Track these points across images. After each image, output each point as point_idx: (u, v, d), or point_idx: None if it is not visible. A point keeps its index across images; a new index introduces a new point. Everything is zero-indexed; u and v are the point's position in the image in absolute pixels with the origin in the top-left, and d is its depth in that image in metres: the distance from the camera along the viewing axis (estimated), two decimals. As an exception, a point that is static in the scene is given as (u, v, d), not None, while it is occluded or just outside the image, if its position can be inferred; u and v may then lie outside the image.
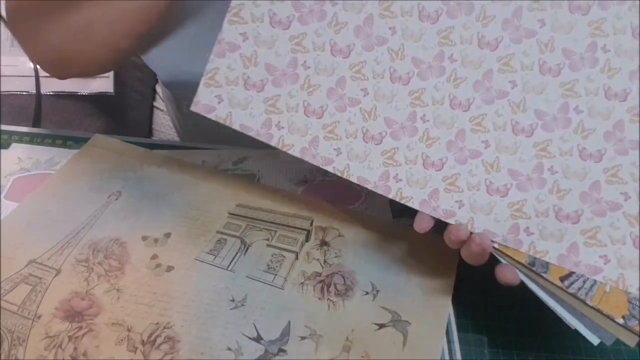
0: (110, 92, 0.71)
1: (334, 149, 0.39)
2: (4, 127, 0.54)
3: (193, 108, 0.39)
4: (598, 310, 0.34)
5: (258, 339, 0.37)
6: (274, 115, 0.39)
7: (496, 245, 0.36)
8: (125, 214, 0.45)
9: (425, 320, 0.39)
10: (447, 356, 0.38)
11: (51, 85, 0.68)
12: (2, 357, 0.36)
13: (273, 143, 0.39)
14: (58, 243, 0.42)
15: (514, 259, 0.36)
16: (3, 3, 0.35)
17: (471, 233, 0.36)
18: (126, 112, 0.76)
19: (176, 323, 0.38)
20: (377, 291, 0.40)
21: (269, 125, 0.39)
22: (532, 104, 0.37)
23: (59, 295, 0.39)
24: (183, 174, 0.49)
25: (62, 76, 0.53)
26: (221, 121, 0.39)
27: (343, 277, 0.41)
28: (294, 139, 0.39)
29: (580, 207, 0.36)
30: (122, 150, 0.51)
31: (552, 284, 0.35)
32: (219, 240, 0.43)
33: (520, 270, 0.36)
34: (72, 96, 0.69)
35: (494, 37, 0.37)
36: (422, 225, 0.37)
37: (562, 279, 0.35)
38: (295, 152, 0.39)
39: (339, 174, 0.39)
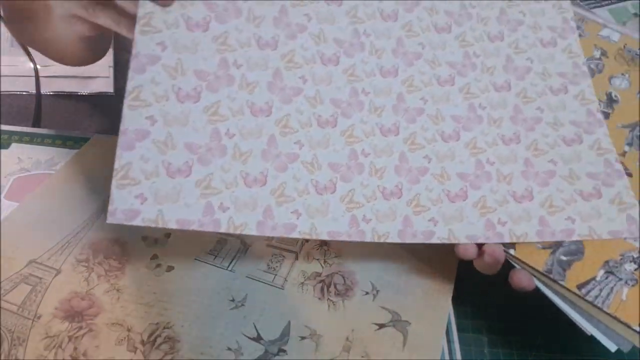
0: (110, 92, 0.71)
1: (292, 212, 0.35)
2: (4, 127, 0.54)
3: (110, 220, 0.32)
4: (615, 318, 0.34)
5: (258, 339, 0.37)
6: (213, 197, 0.34)
7: (512, 252, 0.36)
8: (125, 214, 0.45)
9: (425, 320, 0.39)
10: (447, 356, 0.38)
11: (51, 85, 0.68)
12: (2, 357, 0.36)
13: (223, 229, 0.34)
14: (58, 243, 0.42)
15: (530, 266, 0.36)
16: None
17: (480, 247, 0.37)
18: (126, 112, 0.76)
19: (176, 323, 0.38)
20: (377, 291, 0.40)
21: (210, 210, 0.34)
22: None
23: (59, 295, 0.39)
24: (183, 174, 0.49)
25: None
26: (152, 224, 0.33)
27: (343, 277, 0.41)
28: (245, 216, 0.34)
29: (527, 184, 0.39)
30: (122, 150, 0.51)
31: (570, 291, 0.35)
32: (219, 240, 0.43)
33: (535, 277, 0.36)
34: (72, 96, 0.69)
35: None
36: (467, 253, 0.37)
37: (579, 287, 0.35)
38: (251, 230, 0.34)
39: (307, 237, 0.35)
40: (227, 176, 0.35)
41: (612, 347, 0.34)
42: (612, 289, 0.35)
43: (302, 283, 0.41)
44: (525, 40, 0.45)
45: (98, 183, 0.47)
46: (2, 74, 0.68)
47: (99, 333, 0.37)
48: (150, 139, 0.34)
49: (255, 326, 0.38)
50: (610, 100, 0.43)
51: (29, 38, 0.47)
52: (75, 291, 0.39)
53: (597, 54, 0.45)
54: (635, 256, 0.37)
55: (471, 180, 0.39)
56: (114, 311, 0.38)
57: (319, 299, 0.40)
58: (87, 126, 0.67)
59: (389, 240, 0.37)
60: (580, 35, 0.46)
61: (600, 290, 0.35)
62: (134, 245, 0.43)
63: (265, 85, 0.38)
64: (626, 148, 0.41)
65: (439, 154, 0.39)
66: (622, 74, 0.44)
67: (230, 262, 0.42)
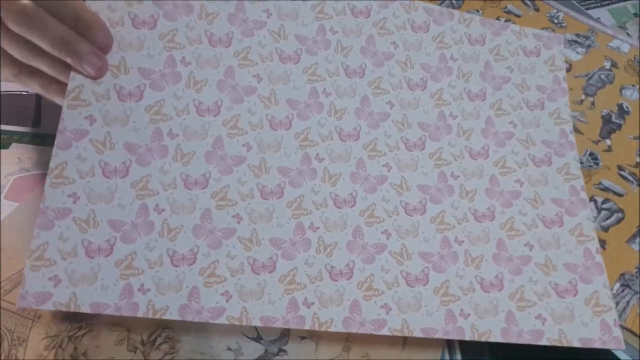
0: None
1: (221, 294, 0.33)
2: (4, 127, 0.54)
3: (21, 304, 0.31)
4: (631, 331, 0.34)
5: (258, 339, 0.37)
6: (133, 278, 0.32)
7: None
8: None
9: (425, 320, 0.39)
10: (447, 356, 0.38)
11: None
12: (2, 357, 0.36)
13: (141, 314, 0.32)
14: (58, 243, 0.42)
15: None
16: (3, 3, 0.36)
17: None
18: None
19: (176, 323, 0.38)
20: (377, 291, 0.40)
21: (129, 292, 0.32)
22: (413, 181, 0.38)
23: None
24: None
25: None
26: (64, 308, 0.31)
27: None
28: (167, 299, 0.32)
29: (498, 271, 0.36)
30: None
31: None
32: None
33: None
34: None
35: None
36: None
37: None
38: (173, 314, 0.32)
39: (237, 323, 0.33)
40: (152, 254, 0.33)
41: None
42: (628, 302, 0.35)
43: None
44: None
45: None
46: (2, 74, 0.68)
47: (99, 333, 0.37)
48: (71, 217, 0.33)
49: (255, 326, 0.38)
50: (622, 112, 0.43)
51: None
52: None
53: (608, 64, 0.45)
54: None
55: (434, 262, 0.37)
56: (114, 311, 0.38)
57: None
58: (87, 126, 0.67)
59: (331, 330, 0.34)
60: (589, 46, 0.46)
61: (617, 303, 0.35)
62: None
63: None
64: (638, 159, 0.41)
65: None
66: (633, 85, 0.44)
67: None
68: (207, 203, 0.34)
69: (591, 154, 0.41)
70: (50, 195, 0.33)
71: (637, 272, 0.36)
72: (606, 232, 0.38)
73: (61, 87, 0.36)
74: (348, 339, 0.38)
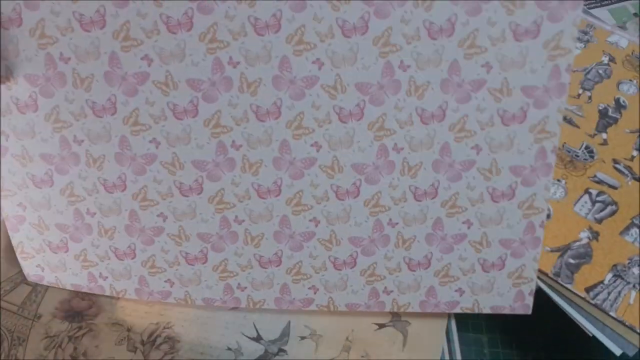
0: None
1: (165, 281, 0.37)
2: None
3: (31, 279, 0.39)
4: (621, 322, 0.34)
5: (258, 339, 0.37)
6: (92, 268, 0.37)
7: None
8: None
9: (425, 320, 0.38)
10: (447, 356, 0.38)
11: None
12: (2, 357, 0.36)
13: (107, 293, 0.38)
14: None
15: (538, 270, 0.36)
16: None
17: None
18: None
19: (176, 323, 0.38)
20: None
21: (93, 278, 0.38)
22: (347, 160, 0.33)
23: (59, 295, 0.39)
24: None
25: None
26: (55, 285, 0.38)
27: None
28: (123, 284, 0.37)
29: (428, 250, 0.36)
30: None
31: (577, 295, 0.35)
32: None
33: (543, 281, 0.36)
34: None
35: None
36: None
37: (587, 290, 0.35)
38: (131, 295, 0.38)
39: (182, 303, 0.37)
40: (98, 250, 0.37)
41: (617, 351, 0.34)
42: (619, 292, 0.35)
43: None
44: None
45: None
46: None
47: (99, 333, 0.37)
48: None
49: (255, 326, 0.38)
50: (619, 106, 0.43)
51: None
52: (76, 291, 0.39)
53: (606, 59, 0.45)
54: None
55: (364, 245, 0.35)
56: (114, 311, 0.38)
57: (319, 299, 0.40)
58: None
59: (265, 308, 0.37)
60: (588, 41, 0.46)
61: (609, 293, 0.35)
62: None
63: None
64: (634, 153, 0.41)
65: (330, 216, 0.35)
66: (630, 80, 0.44)
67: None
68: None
69: (587, 147, 0.41)
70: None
71: (629, 263, 0.37)
72: (600, 224, 0.38)
73: None
74: (348, 339, 0.38)
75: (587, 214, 0.38)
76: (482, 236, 0.35)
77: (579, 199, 0.39)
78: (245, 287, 0.37)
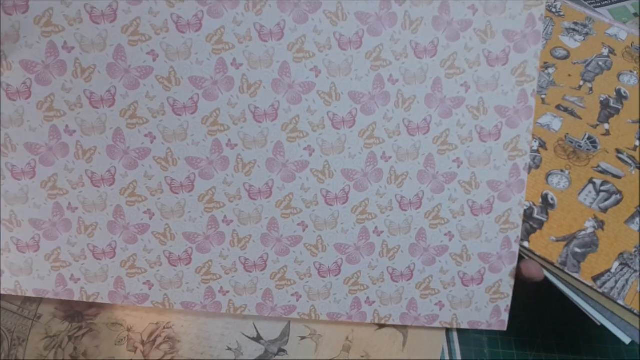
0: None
1: (144, 284, 0.36)
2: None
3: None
4: (629, 310, 0.34)
5: (258, 339, 0.37)
6: (63, 269, 0.36)
7: (527, 245, 0.36)
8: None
9: (425, 320, 0.39)
10: (447, 356, 0.38)
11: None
12: (2, 357, 0.36)
13: (76, 298, 0.36)
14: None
15: (544, 259, 0.36)
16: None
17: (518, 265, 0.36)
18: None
19: (176, 323, 0.38)
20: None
21: (62, 281, 0.36)
22: (338, 165, 0.35)
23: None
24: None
25: None
26: (11, 292, 0.36)
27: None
28: (96, 287, 0.36)
29: (411, 261, 0.36)
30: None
31: (584, 283, 0.35)
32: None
33: (549, 271, 0.36)
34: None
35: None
36: (530, 273, 0.36)
37: (594, 279, 0.35)
38: (103, 299, 0.36)
39: (160, 307, 0.36)
40: (74, 249, 0.35)
41: (626, 339, 0.35)
42: (627, 280, 0.35)
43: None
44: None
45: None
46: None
47: (99, 333, 0.37)
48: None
49: (255, 326, 0.38)
50: (620, 97, 0.43)
51: None
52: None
53: (605, 51, 0.45)
54: None
55: (349, 253, 0.36)
56: (114, 311, 0.38)
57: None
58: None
59: (245, 314, 0.36)
60: (587, 34, 0.46)
61: (616, 282, 0.35)
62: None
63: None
64: (637, 142, 0.41)
65: (318, 222, 0.36)
66: (630, 71, 0.44)
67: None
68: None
69: (589, 138, 0.41)
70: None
71: (635, 251, 0.37)
72: (605, 213, 0.38)
73: None
74: (348, 339, 0.38)
75: (592, 203, 0.38)
76: (463, 249, 0.36)
77: (583, 189, 0.39)
78: (228, 291, 0.36)
